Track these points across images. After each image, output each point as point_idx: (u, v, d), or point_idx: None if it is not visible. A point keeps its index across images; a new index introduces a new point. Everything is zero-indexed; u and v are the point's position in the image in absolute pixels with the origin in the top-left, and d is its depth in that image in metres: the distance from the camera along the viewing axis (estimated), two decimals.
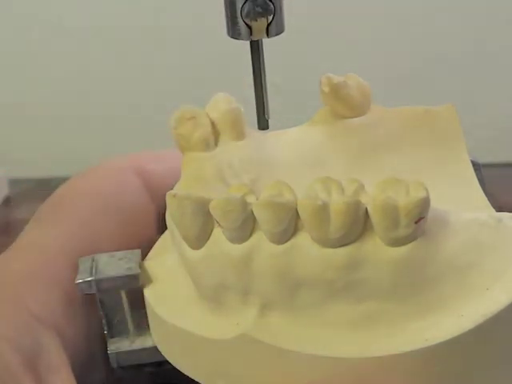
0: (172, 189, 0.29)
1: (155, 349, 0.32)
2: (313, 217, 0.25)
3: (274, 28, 0.30)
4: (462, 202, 0.33)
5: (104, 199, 0.35)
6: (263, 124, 0.33)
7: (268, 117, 0.33)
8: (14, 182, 0.79)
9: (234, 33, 0.31)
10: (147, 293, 0.31)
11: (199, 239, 0.27)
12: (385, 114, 0.35)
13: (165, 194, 0.28)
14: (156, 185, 0.36)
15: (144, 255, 0.33)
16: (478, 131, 0.75)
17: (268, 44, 0.32)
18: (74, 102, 0.82)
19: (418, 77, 0.76)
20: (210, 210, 0.27)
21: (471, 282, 0.27)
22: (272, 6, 0.30)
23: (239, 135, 0.33)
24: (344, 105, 0.35)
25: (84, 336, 0.32)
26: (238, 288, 0.27)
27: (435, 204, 0.26)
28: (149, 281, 0.31)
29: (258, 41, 0.31)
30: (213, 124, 0.33)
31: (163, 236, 0.35)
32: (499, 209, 0.29)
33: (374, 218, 0.25)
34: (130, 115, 0.82)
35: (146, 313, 0.32)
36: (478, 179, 0.36)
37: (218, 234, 0.27)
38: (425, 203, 0.25)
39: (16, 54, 0.81)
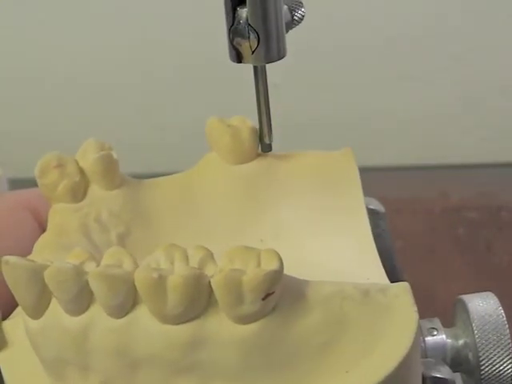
0: None
1: None
2: (148, 291, 0.23)
3: (264, 54, 0.29)
4: (348, 259, 0.30)
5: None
6: (265, 147, 0.33)
7: (271, 140, 0.33)
8: (14, 182, 0.77)
9: (229, 55, 0.30)
10: (0, 358, 0.29)
11: (37, 309, 0.25)
12: (274, 160, 0.33)
13: None
14: None
15: None
16: (478, 131, 0.74)
17: None
18: (75, 103, 0.80)
19: (418, 76, 0.74)
20: (45, 279, 0.24)
21: (330, 362, 0.24)
22: (254, 33, 0.29)
23: (111, 184, 0.31)
24: (233, 150, 0.32)
25: None
26: (77, 363, 0.25)
27: (303, 268, 0.24)
28: (4, 344, 0.29)
29: (259, 66, 0.31)
30: (82, 172, 0.31)
31: None
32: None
33: (217, 292, 0.23)
34: (129, 117, 0.80)
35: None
36: (382, 229, 0.34)
37: (54, 304, 0.25)
38: (274, 277, 0.23)
39: (15, 52, 0.79)
